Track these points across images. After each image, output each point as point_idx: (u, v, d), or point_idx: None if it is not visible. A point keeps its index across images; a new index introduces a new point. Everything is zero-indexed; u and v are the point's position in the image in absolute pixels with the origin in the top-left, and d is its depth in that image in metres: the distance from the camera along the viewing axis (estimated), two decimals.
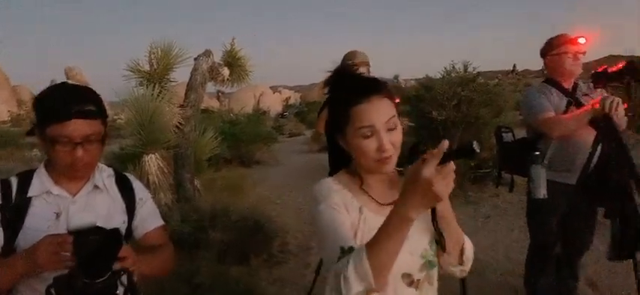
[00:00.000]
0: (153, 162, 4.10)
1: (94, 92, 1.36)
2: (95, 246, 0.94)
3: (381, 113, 1.14)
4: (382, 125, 1.14)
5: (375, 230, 1.13)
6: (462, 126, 6.59)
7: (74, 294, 0.96)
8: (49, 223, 1.31)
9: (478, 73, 7.42)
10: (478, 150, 0.90)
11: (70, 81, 1.41)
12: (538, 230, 2.78)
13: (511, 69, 58.74)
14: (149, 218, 1.54)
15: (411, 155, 1.11)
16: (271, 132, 14.01)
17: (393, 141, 1.15)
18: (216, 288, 3.21)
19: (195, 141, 5.14)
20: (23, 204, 1.31)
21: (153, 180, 4.08)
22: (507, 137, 2.92)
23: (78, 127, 1.24)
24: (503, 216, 5.35)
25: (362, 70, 2.90)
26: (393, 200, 1.20)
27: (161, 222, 1.59)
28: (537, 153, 2.55)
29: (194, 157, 5.20)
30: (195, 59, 5.40)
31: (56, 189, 1.35)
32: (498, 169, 3.10)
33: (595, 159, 2.40)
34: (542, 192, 2.52)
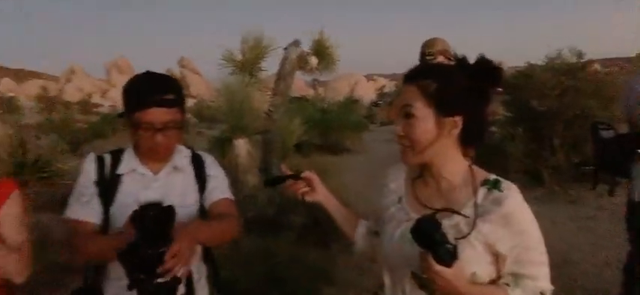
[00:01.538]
0: (242, 146, 4.37)
1: (175, 81, 1.45)
2: (151, 219, 1.04)
3: (401, 98, 1.14)
4: (398, 110, 1.13)
5: (399, 222, 1.20)
6: (565, 118, 6.03)
7: (138, 261, 1.07)
8: (137, 195, 1.44)
9: (590, 60, 6.72)
10: None
11: (154, 72, 1.50)
12: (638, 236, 2.49)
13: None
14: (216, 190, 1.60)
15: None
16: (362, 120, 14.02)
17: (405, 129, 1.12)
18: (293, 268, 3.35)
19: (283, 128, 5.37)
20: (115, 180, 1.45)
21: (241, 163, 4.35)
22: (607, 134, 2.63)
23: (157, 115, 1.34)
24: (608, 218, 4.83)
25: (440, 58, 2.78)
26: (442, 206, 1.14)
27: (227, 195, 1.62)
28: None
29: (282, 143, 5.44)
30: (285, 49, 5.62)
31: (142, 168, 1.47)
32: (595, 168, 2.81)
33: None
34: None
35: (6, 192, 1.42)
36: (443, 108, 1.10)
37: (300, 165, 6.28)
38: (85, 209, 1.42)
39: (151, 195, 1.38)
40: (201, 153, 1.66)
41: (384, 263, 1.23)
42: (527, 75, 6.69)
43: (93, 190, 1.44)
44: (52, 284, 3.44)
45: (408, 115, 1.11)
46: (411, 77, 1.15)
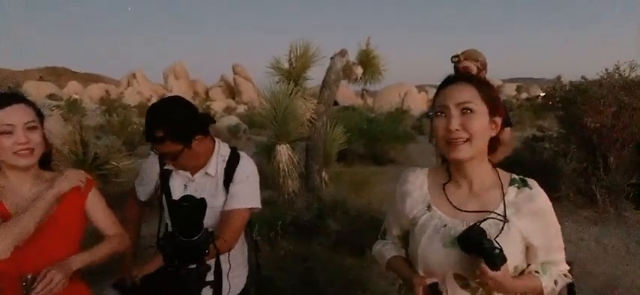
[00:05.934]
0: (284, 151, 4.53)
1: (167, 116, 1.58)
2: (185, 211, 1.15)
3: (455, 95, 1.19)
4: (454, 105, 1.18)
5: (436, 229, 1.26)
6: (622, 136, 5.73)
7: (174, 248, 1.19)
8: (181, 190, 1.76)
9: None
10: None
11: (159, 102, 1.70)
12: None
13: None
14: (232, 199, 1.71)
15: None
16: (410, 132, 13.86)
17: (465, 123, 1.17)
18: (328, 273, 3.43)
19: (325, 135, 5.48)
20: (168, 173, 1.80)
21: (283, 168, 4.51)
22: None
23: (157, 147, 1.62)
24: None
25: (467, 64, 2.90)
26: (474, 208, 1.23)
27: (240, 206, 1.70)
28: None
29: (324, 150, 5.55)
30: (331, 58, 5.75)
31: (181, 172, 1.78)
32: None
33: None
34: None
35: (88, 186, 1.66)
36: (493, 108, 1.21)
37: (341, 173, 6.37)
38: (138, 189, 1.93)
39: (187, 192, 1.58)
40: (241, 155, 1.81)
41: (422, 266, 1.28)
42: (582, 90, 6.40)
43: (154, 179, 1.86)
44: (105, 272, 3.72)
45: (467, 110, 1.18)
46: (468, 79, 1.23)
